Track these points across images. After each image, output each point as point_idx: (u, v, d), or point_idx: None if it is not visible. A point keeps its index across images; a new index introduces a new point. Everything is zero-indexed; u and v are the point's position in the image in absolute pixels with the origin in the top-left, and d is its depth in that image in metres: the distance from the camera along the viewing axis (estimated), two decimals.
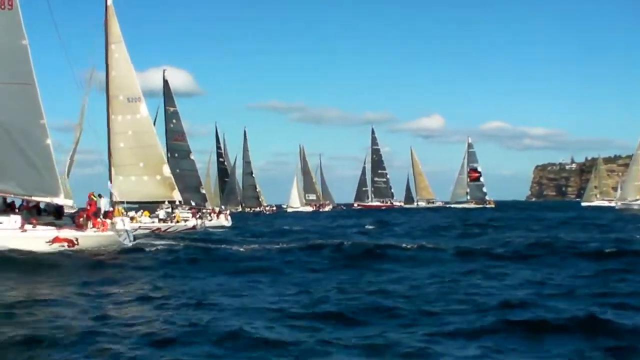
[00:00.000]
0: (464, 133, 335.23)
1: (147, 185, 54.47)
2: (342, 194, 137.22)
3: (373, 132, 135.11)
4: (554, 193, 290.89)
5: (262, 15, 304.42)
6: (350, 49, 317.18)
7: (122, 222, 33.45)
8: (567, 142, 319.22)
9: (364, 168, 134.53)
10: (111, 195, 43.02)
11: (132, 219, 53.02)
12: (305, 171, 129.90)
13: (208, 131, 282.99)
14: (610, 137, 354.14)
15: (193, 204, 63.05)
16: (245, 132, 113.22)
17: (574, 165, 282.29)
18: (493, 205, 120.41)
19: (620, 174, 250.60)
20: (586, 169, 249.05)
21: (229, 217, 71.68)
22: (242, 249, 29.38)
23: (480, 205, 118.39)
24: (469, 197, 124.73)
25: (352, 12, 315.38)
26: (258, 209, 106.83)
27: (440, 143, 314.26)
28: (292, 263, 23.07)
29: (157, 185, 54.79)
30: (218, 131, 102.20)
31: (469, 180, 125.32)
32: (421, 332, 11.03)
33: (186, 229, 51.92)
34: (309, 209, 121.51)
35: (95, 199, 31.89)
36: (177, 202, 56.54)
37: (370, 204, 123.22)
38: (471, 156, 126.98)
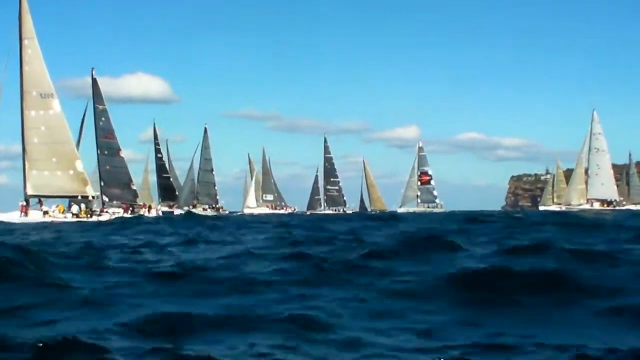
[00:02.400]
0: (439, 143, 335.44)
1: (60, 180, 55.37)
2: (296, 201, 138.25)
3: (325, 141, 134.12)
4: (529, 204, 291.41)
5: (239, 23, 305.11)
6: (326, 58, 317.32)
7: None
8: (541, 153, 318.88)
9: (316, 177, 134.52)
10: None
11: (45, 213, 53.80)
12: (265, 172, 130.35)
13: (182, 138, 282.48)
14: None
15: (105, 198, 63.75)
16: (205, 129, 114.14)
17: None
18: (443, 209, 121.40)
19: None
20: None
21: (161, 213, 72.72)
22: None
23: (430, 210, 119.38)
24: (419, 201, 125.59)
25: (329, 21, 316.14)
26: (205, 209, 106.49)
27: (414, 153, 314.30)
28: None
29: (70, 180, 55.65)
30: (156, 128, 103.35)
31: (419, 183, 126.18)
32: None
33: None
34: (266, 210, 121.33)
35: None
36: (91, 197, 57.36)
37: (323, 212, 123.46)
38: (422, 159, 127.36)
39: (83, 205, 56.03)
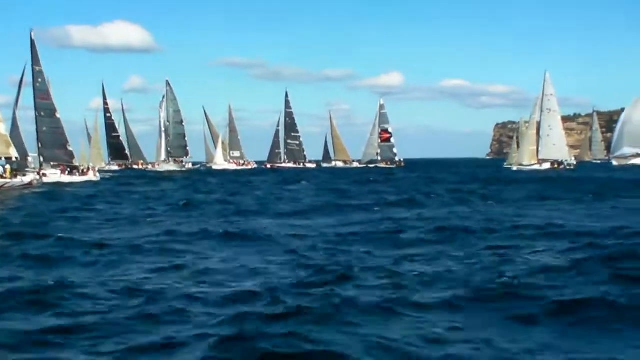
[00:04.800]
0: (423, 91, 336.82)
1: None
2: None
3: (287, 95, 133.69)
4: None
5: None
6: (309, 4, 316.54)
7: None
8: (527, 100, 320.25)
9: (277, 131, 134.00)
10: None
11: None
12: (231, 129, 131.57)
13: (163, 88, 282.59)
14: (569, 95, 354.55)
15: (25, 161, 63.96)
16: (167, 81, 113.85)
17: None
18: (403, 165, 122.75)
19: (579, 132, 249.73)
20: None
21: (98, 174, 73.55)
22: None
23: (390, 166, 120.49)
24: (379, 158, 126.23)
25: None
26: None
27: (399, 100, 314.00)
28: None
29: None
30: (104, 88, 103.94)
31: (379, 141, 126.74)
32: None
33: (23, 185, 53.13)
34: (233, 166, 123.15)
35: None
36: (14, 159, 58.24)
37: (283, 165, 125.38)
38: (383, 117, 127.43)
39: (8, 167, 56.76)
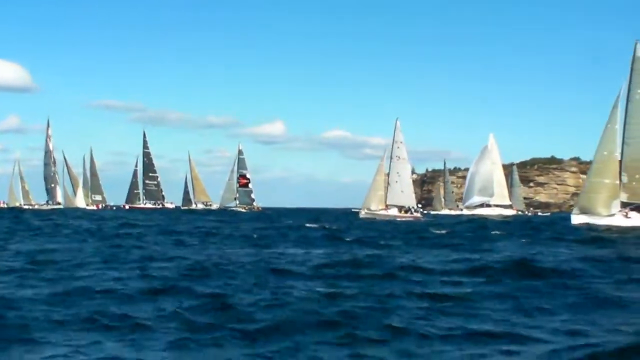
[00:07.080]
0: (305, 140, 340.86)
1: None
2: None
3: (145, 136, 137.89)
4: None
5: (103, 10, 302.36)
6: (190, 48, 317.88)
7: None
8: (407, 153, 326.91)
9: (135, 171, 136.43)
10: None
11: None
12: (93, 173, 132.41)
13: (41, 128, 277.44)
14: (447, 149, 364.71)
15: None
16: (48, 121, 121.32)
17: (414, 176, 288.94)
18: (260, 210, 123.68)
19: (459, 185, 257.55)
20: (427, 180, 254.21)
21: None
22: None
23: (248, 210, 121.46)
24: (237, 202, 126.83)
25: (196, 12, 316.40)
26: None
27: (281, 149, 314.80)
28: None
29: None
30: None
31: (238, 185, 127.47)
32: None
33: None
34: (94, 208, 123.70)
35: None
36: None
37: (141, 205, 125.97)
38: (241, 163, 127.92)
39: None
